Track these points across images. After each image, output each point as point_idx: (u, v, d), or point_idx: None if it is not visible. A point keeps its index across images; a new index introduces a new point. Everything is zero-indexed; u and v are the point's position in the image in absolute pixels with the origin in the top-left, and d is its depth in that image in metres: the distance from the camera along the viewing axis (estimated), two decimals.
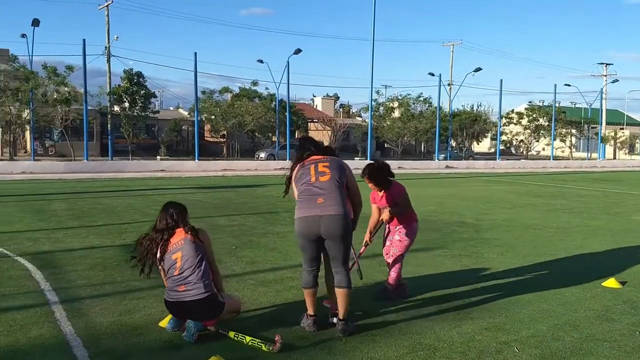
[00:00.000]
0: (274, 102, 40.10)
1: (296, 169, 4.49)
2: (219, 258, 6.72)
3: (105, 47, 38.29)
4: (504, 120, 48.85)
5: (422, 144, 54.40)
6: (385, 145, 50.72)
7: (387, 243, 5.45)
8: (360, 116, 63.76)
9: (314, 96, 69.09)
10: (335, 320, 4.40)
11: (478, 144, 57.94)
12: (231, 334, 4.09)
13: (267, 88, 43.38)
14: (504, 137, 51.82)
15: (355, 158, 39.52)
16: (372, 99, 36.94)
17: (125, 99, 33.16)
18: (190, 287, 4.11)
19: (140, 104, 33.65)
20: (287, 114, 35.44)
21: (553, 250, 7.81)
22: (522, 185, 21.53)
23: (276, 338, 3.93)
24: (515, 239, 8.68)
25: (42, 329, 4.27)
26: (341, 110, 75.49)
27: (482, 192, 17.91)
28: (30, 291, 5.28)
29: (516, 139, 53.57)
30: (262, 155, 39.97)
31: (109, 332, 4.26)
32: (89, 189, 16.42)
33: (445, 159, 41.70)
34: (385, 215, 5.22)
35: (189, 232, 4.24)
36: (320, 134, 50.79)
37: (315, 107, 63.82)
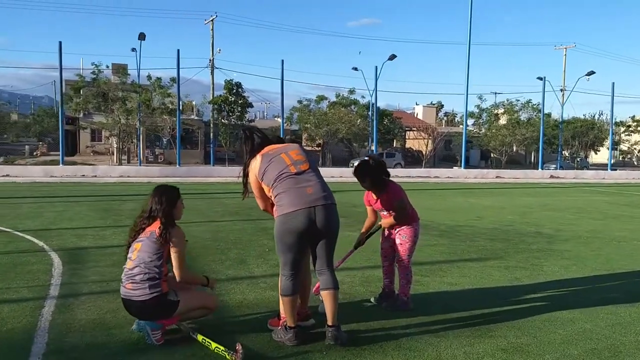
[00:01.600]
0: (369, 110, 39.68)
1: (257, 162, 3.91)
2: (246, 259, 6.47)
3: (210, 60, 40.20)
4: (622, 128, 44.59)
5: (532, 153, 51.18)
6: (492, 155, 48.25)
7: (385, 245, 4.88)
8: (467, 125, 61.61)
9: (417, 104, 67.85)
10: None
11: (596, 153, 53.50)
12: (199, 338, 3.75)
13: (363, 96, 43.20)
14: (622, 147, 47.30)
15: (454, 167, 37.93)
16: (467, 105, 35.29)
17: (224, 109, 34.42)
18: (136, 286, 3.77)
19: (238, 113, 34.74)
20: (374, 121, 34.75)
21: (631, 265, 6.64)
22: (626, 196, 19.40)
23: (237, 347, 3.51)
24: (590, 252, 7.54)
25: (18, 323, 4.14)
26: (445, 118, 73.40)
27: (576, 202, 16.26)
28: (37, 285, 5.23)
29: (634, 149, 48.69)
30: (355, 163, 39.45)
31: (80, 330, 4.03)
32: None
33: (555, 169, 38.76)
34: (385, 222, 4.72)
35: (160, 228, 3.85)
36: (419, 143, 49.54)
37: (415, 115, 62.53)
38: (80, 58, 54.94)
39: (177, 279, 3.88)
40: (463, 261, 6.82)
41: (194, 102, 45.13)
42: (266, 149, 3.96)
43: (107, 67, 37.14)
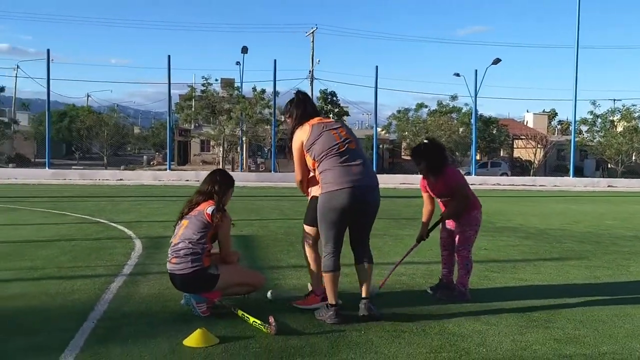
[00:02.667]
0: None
1: (305, 132, 3.89)
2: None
3: (309, 71, 41.20)
4: None
5: None
6: (608, 165, 44.71)
7: (444, 235, 4.69)
8: (580, 133, 57.72)
9: (527, 112, 64.78)
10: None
11: None
12: (239, 313, 3.86)
13: (466, 104, 41.97)
14: None
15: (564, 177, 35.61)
16: (575, 111, 32.88)
17: None
18: (179, 260, 3.94)
19: None
20: (474, 127, 33.50)
21: None
22: None
23: (270, 320, 3.59)
24: None
25: (85, 294, 4.46)
26: (559, 127, 69.27)
27: None
28: (113, 265, 5.62)
29: None
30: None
31: (139, 301, 4.29)
32: (255, 192, 17.55)
33: None
34: (447, 213, 4.55)
35: (211, 210, 4.00)
36: (528, 152, 47.14)
37: (525, 123, 59.62)
38: (193, 74, 58.56)
39: (223, 254, 4.06)
40: (541, 260, 6.40)
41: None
42: (316, 119, 3.95)
43: (216, 80, 39.29)
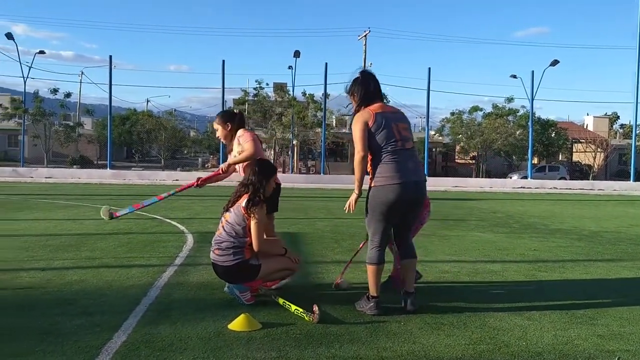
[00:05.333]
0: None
1: (369, 117, 3.87)
2: (356, 248, 6.56)
3: None
4: None
5: None
6: None
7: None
8: None
9: (587, 115, 62.40)
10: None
11: None
12: (280, 301, 3.99)
13: (523, 106, 40.92)
14: None
15: (626, 181, 34.08)
16: (636, 114, 31.39)
17: None
18: (222, 252, 4.09)
19: None
20: (530, 130, 32.54)
21: None
22: None
23: (314, 308, 3.70)
24: None
25: (139, 282, 4.71)
26: (621, 130, 66.35)
27: None
28: (165, 256, 5.88)
29: None
30: (515, 177, 37.18)
31: (188, 289, 4.49)
32: (304, 193, 17.70)
33: None
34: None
35: (245, 202, 4.11)
36: (588, 156, 45.43)
37: (585, 126, 57.46)
38: (247, 79, 59.78)
39: (255, 249, 4.07)
40: (591, 261, 6.24)
41: (346, 117, 46.47)
42: (379, 107, 3.94)
43: (267, 84, 39.94)
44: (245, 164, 4.55)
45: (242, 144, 4.54)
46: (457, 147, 44.68)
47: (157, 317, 3.70)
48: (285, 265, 4.25)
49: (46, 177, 23.34)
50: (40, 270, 4.99)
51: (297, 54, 32.76)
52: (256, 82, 37.69)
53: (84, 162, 41.57)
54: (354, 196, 4.03)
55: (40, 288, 4.39)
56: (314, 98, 36.22)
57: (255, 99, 38.30)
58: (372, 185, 3.90)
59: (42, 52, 36.87)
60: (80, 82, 53.60)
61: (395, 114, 4.01)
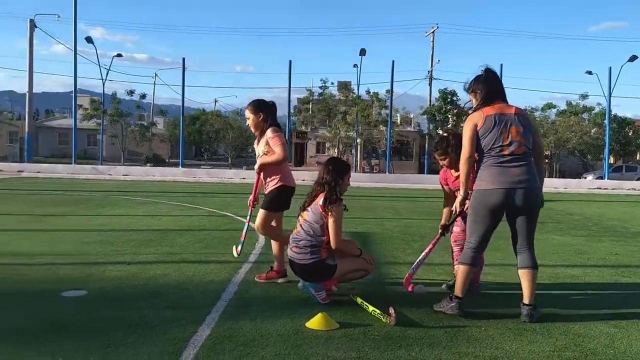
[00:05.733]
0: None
1: (479, 120, 3.80)
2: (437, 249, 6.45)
3: (428, 71, 40.61)
4: None
5: None
6: None
7: (456, 229, 4.59)
8: None
9: None
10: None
11: None
12: (358, 300, 4.01)
13: (599, 103, 39.03)
14: None
15: None
16: None
17: (437, 118, 34.35)
18: (299, 251, 4.14)
19: (453, 122, 34.31)
20: (606, 129, 30.90)
21: None
22: None
23: (390, 311, 3.68)
24: None
25: (217, 277, 4.86)
26: None
27: None
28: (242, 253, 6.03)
29: None
30: (590, 177, 35.46)
31: (263, 285, 4.60)
32: (370, 192, 17.59)
33: None
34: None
35: (322, 201, 4.16)
36: None
37: None
38: (311, 78, 60.35)
39: (332, 246, 4.11)
40: None
41: (411, 115, 45.96)
42: (497, 108, 3.84)
43: (332, 83, 40.13)
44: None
45: (272, 147, 4.61)
46: None
47: (236, 312, 3.81)
48: (361, 266, 4.26)
49: (123, 175, 24.49)
50: (126, 265, 5.25)
51: (362, 52, 32.70)
52: (321, 80, 38.00)
53: (156, 161, 43.30)
54: (458, 198, 4.01)
55: (127, 281, 4.63)
56: (379, 96, 36.01)
57: (320, 97, 38.57)
58: (474, 187, 3.87)
59: (119, 55, 38.73)
60: (154, 83, 55.93)
61: (513, 115, 3.81)
